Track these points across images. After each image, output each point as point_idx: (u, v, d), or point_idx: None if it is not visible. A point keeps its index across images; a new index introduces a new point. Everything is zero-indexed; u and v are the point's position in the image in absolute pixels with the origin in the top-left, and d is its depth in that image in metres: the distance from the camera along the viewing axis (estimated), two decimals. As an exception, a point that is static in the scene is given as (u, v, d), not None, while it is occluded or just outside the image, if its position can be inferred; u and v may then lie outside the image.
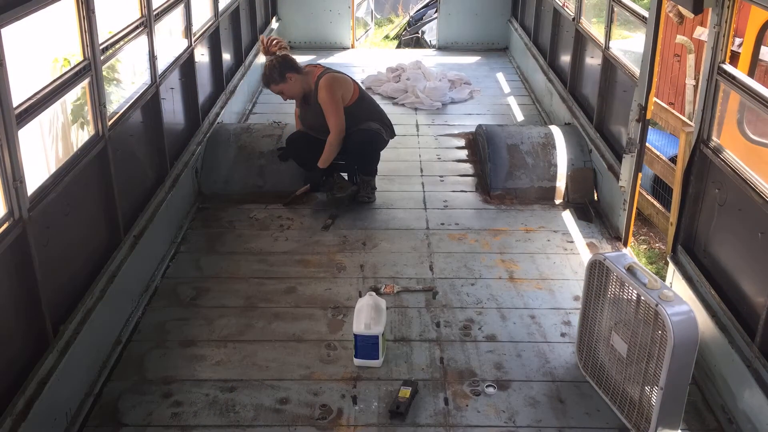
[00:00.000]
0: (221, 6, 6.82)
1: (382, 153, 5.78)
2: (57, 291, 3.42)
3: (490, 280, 4.65)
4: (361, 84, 5.86)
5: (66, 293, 3.56)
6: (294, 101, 5.73)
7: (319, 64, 5.79)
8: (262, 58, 8.73)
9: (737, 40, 6.52)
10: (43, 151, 6.48)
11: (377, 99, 8.06)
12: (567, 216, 5.53)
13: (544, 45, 8.22)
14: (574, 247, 5.09)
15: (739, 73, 3.68)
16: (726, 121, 4.02)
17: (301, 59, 9.80)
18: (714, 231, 3.90)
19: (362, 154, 5.60)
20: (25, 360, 3.14)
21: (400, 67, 8.85)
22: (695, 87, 8.86)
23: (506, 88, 8.80)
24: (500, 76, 9.24)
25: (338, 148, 5.50)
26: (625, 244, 5.06)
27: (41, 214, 3.22)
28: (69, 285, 3.61)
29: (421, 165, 6.43)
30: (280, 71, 5.43)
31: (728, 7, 3.67)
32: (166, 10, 5.10)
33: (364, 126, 5.53)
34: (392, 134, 5.81)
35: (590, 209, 5.59)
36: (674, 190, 5.67)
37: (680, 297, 3.24)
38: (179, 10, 5.49)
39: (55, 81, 3.43)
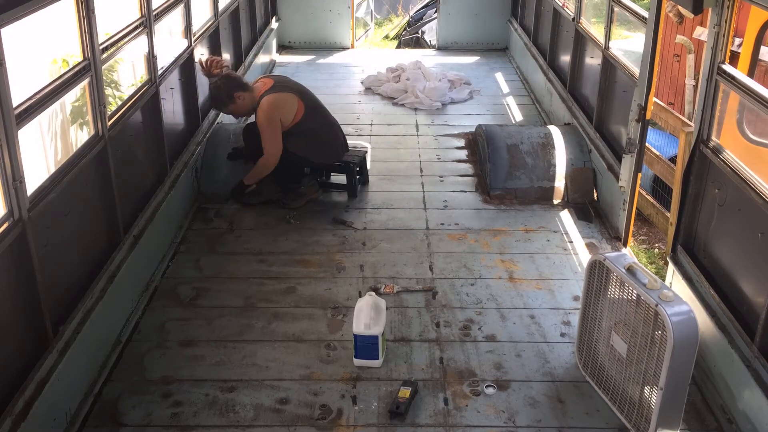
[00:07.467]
0: (221, 6, 6.81)
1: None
2: (56, 291, 3.41)
3: (489, 280, 4.65)
4: (312, 97, 5.58)
5: (65, 293, 3.56)
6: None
7: (270, 77, 5.66)
8: (262, 58, 8.77)
9: (737, 40, 6.52)
10: (43, 151, 6.48)
11: (377, 99, 8.14)
12: (566, 216, 5.53)
13: (543, 45, 8.22)
14: (573, 247, 5.09)
15: (739, 74, 3.67)
16: (726, 122, 4.02)
17: (300, 59, 9.94)
18: (714, 231, 3.90)
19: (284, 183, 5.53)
20: (24, 360, 3.14)
21: (400, 67, 8.84)
22: (695, 87, 8.86)
23: (506, 88, 8.80)
24: (500, 76, 9.24)
25: (267, 171, 5.41)
26: (625, 244, 5.06)
27: (41, 214, 3.22)
28: (68, 285, 3.61)
29: (421, 165, 6.43)
30: (227, 92, 5.37)
31: (728, 7, 3.67)
32: (166, 10, 5.09)
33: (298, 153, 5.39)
34: (343, 150, 5.71)
35: (590, 209, 5.59)
36: (674, 190, 5.67)
37: (680, 297, 3.24)
38: (179, 10, 5.49)
39: (54, 81, 3.43)
